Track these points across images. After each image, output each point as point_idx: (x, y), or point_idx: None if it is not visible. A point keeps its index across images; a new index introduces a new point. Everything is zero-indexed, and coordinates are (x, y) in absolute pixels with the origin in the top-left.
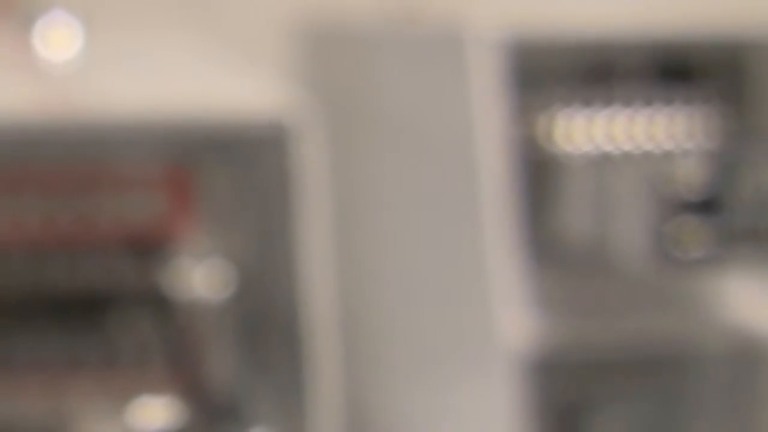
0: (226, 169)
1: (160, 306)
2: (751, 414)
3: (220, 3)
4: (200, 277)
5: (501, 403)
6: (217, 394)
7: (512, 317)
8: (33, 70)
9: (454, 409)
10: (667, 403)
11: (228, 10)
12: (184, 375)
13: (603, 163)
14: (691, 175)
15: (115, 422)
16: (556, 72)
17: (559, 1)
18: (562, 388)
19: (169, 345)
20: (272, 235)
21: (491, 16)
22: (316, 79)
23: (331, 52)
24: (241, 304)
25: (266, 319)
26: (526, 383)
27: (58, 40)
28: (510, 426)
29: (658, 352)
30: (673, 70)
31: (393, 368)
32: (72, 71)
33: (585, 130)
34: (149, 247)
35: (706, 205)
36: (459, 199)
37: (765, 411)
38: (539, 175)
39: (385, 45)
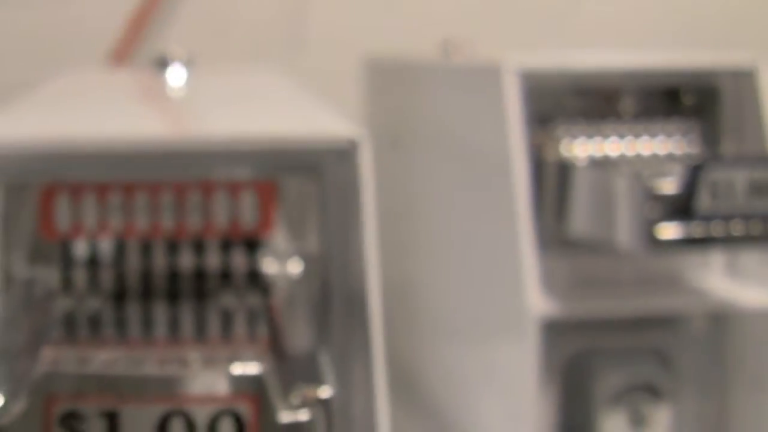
0: (301, 182)
1: (255, 287)
2: (725, 361)
3: (301, 48)
4: (284, 265)
5: (527, 358)
6: (296, 354)
7: (536, 291)
8: (158, 104)
9: (491, 364)
10: (657, 354)
11: (308, 52)
12: (272, 338)
13: (604, 167)
14: (674, 175)
15: (219, 371)
16: (568, 98)
17: (573, 50)
18: (574, 346)
19: (261, 315)
20: (338, 229)
21: (520, 57)
22: (379, 105)
23: (391, 82)
24: (312, 285)
25: (332, 298)
26: (546, 342)
27: (176, 80)
28: (534, 375)
29: (649, 316)
30: (662, 101)
31: (441, 335)
32: (188, 105)
33: (592, 146)
34: (247, 241)
35: (686, 200)
36: (495, 199)
37: (734, 358)
38: (553, 179)
39: (435, 75)
